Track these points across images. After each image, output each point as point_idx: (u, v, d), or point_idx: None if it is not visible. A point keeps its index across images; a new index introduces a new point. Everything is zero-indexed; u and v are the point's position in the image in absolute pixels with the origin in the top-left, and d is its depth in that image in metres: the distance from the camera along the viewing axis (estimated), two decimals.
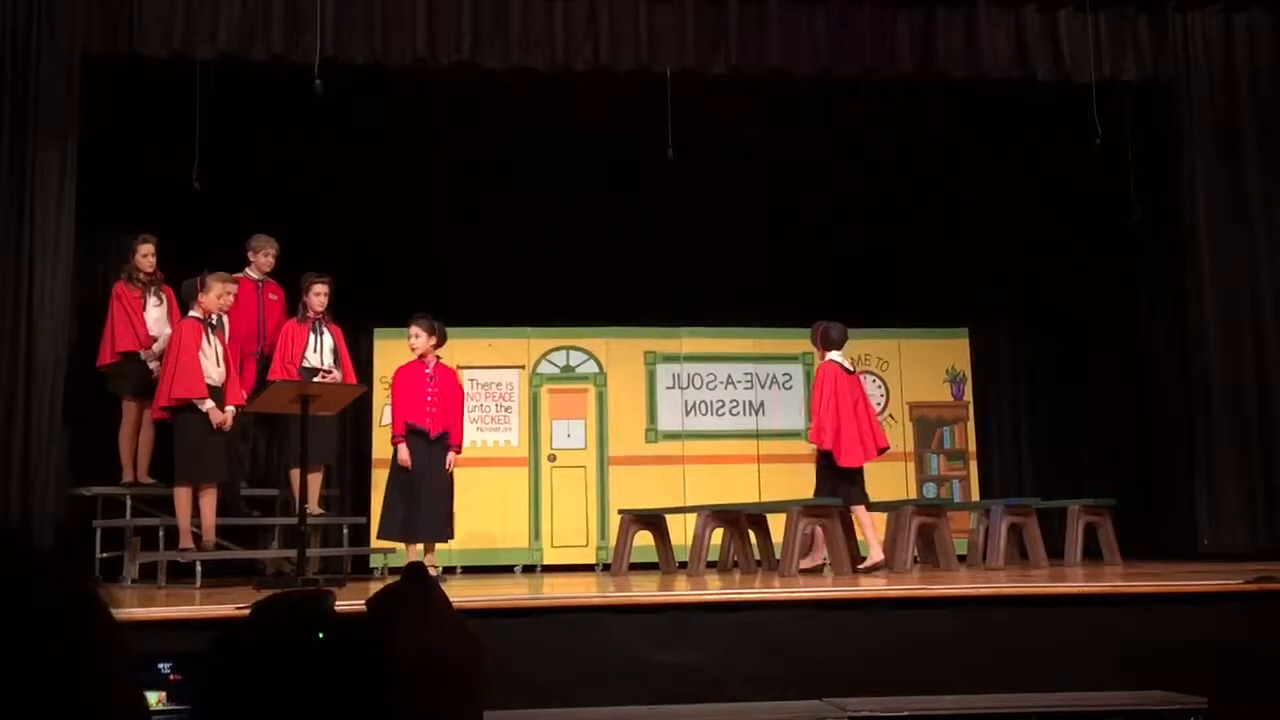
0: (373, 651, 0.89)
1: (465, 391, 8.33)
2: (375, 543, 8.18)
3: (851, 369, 8.02)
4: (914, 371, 10.25)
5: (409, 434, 7.44)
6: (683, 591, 5.86)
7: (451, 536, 7.65)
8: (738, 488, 9.24)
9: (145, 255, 7.75)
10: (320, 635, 0.88)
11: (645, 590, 5.96)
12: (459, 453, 7.67)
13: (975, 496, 9.96)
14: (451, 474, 7.58)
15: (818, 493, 7.64)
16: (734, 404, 10.01)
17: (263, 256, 8.17)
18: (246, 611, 1.00)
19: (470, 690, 0.99)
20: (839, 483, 7.61)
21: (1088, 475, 9.97)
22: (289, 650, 0.87)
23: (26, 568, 0.64)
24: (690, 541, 7.73)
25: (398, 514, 7.39)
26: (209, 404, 7.06)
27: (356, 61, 7.61)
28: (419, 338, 7.58)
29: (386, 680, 0.87)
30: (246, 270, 8.12)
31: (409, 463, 7.38)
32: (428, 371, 7.56)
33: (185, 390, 7.02)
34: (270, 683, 0.86)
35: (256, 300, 8.14)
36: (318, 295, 7.86)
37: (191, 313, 7.30)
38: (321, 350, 7.86)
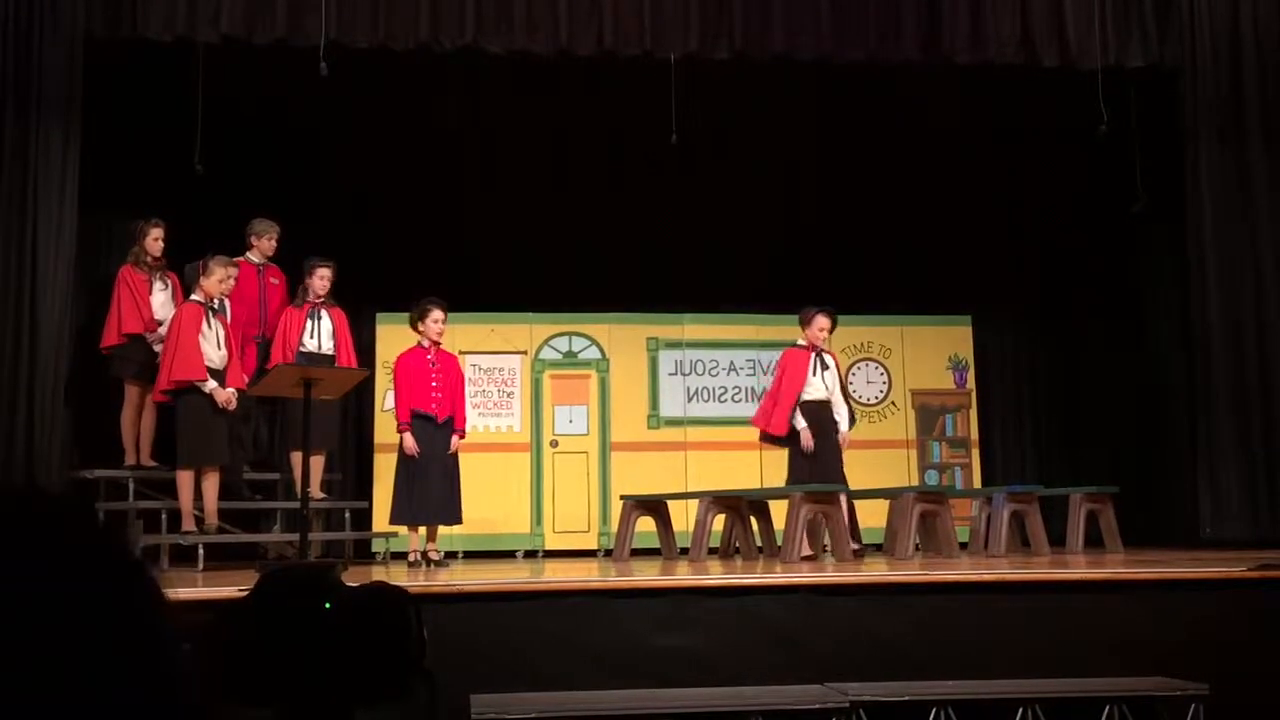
0: (383, 622, 0.89)
1: (466, 377, 8.32)
2: (377, 527, 8.18)
3: None
4: (917, 358, 10.23)
5: (414, 420, 7.41)
6: (684, 576, 5.87)
7: (461, 520, 7.65)
8: (739, 474, 9.23)
9: (156, 239, 7.72)
10: (326, 605, 0.88)
11: (647, 575, 5.96)
12: (463, 437, 7.67)
13: (977, 484, 9.95)
14: (457, 458, 7.57)
15: (805, 475, 7.71)
16: (736, 390, 10.00)
17: (266, 241, 8.15)
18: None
19: None
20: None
21: (1089, 463, 9.95)
22: (294, 619, 0.87)
23: (96, 536, 0.65)
24: (692, 527, 7.73)
25: (407, 500, 7.38)
26: (211, 384, 7.05)
27: (360, 45, 7.59)
28: (442, 321, 7.56)
29: (398, 650, 0.87)
30: (247, 254, 8.10)
31: (415, 450, 7.35)
32: (429, 357, 7.54)
33: (184, 373, 7.01)
34: (274, 650, 0.86)
35: (257, 284, 8.12)
36: (321, 279, 7.83)
37: (193, 296, 7.29)
38: (319, 335, 7.82)
